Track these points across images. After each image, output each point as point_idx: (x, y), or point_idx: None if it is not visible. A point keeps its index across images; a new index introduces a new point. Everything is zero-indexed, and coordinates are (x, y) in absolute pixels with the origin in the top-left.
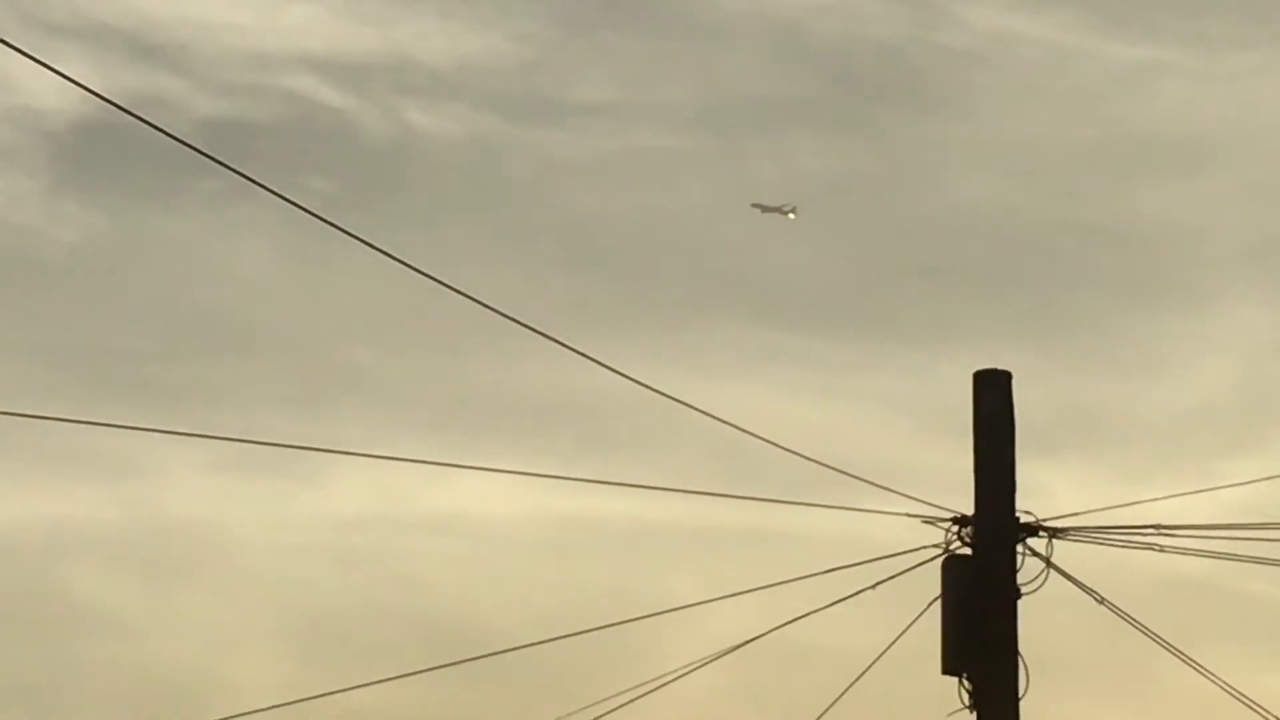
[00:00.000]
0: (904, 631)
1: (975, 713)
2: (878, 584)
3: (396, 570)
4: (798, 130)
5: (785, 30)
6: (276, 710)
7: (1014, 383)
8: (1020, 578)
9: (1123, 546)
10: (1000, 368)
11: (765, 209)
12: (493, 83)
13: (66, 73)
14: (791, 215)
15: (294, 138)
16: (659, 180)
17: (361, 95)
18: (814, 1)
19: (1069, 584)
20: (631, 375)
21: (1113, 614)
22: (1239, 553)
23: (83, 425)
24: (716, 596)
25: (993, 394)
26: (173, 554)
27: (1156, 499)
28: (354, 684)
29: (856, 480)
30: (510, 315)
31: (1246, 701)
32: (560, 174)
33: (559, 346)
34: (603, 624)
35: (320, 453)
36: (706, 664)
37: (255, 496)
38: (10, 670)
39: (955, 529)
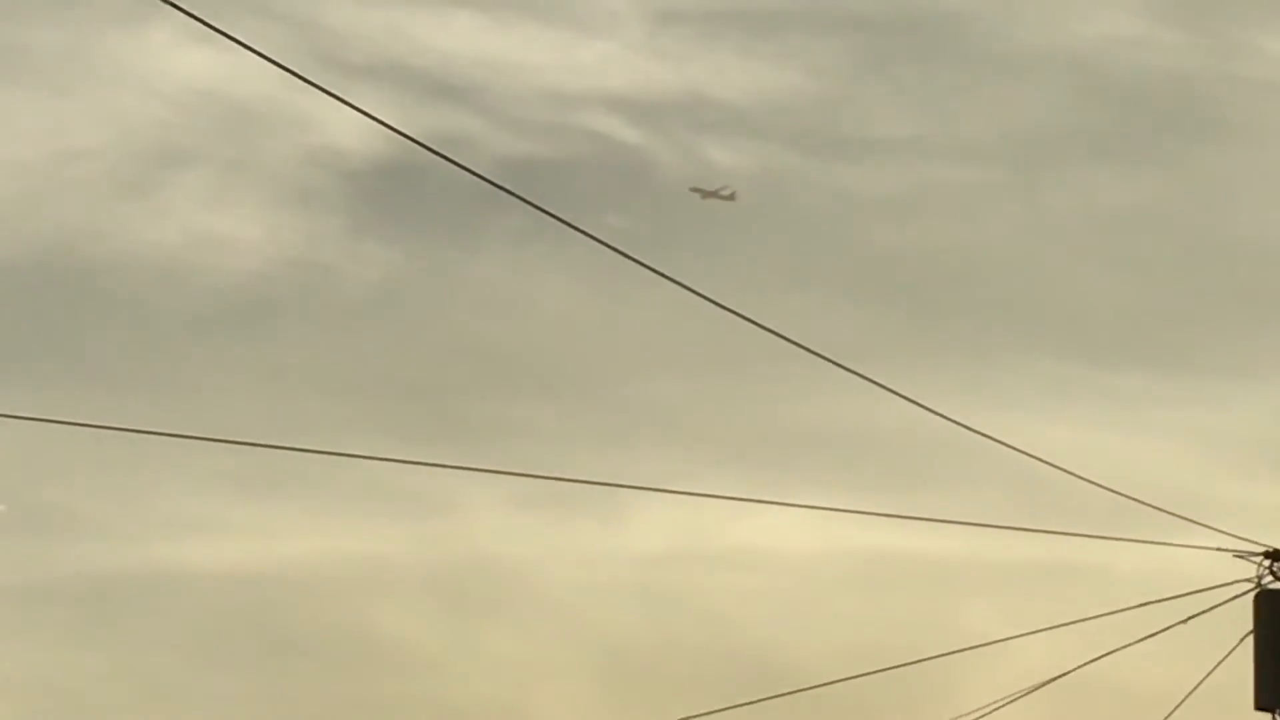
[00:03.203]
0: (1216, 667)
1: None
2: (1189, 618)
3: (699, 605)
4: (1096, 162)
5: (1083, 63)
6: None
7: None
8: None
9: None
10: None
11: (704, 194)
12: (790, 118)
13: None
14: (731, 197)
15: (592, 175)
16: (959, 214)
17: (659, 132)
18: (1111, 34)
19: None
20: (934, 409)
21: None
22: None
23: (387, 462)
24: (1020, 633)
25: None
26: (476, 590)
27: None
28: None
29: (1163, 514)
30: (813, 349)
31: None
32: (860, 208)
33: (860, 380)
34: (904, 660)
35: (623, 489)
36: (1011, 701)
37: (558, 533)
38: (317, 706)
39: (1267, 563)
